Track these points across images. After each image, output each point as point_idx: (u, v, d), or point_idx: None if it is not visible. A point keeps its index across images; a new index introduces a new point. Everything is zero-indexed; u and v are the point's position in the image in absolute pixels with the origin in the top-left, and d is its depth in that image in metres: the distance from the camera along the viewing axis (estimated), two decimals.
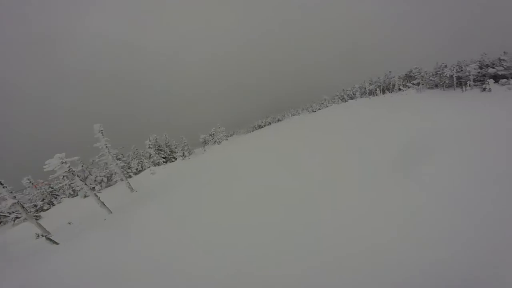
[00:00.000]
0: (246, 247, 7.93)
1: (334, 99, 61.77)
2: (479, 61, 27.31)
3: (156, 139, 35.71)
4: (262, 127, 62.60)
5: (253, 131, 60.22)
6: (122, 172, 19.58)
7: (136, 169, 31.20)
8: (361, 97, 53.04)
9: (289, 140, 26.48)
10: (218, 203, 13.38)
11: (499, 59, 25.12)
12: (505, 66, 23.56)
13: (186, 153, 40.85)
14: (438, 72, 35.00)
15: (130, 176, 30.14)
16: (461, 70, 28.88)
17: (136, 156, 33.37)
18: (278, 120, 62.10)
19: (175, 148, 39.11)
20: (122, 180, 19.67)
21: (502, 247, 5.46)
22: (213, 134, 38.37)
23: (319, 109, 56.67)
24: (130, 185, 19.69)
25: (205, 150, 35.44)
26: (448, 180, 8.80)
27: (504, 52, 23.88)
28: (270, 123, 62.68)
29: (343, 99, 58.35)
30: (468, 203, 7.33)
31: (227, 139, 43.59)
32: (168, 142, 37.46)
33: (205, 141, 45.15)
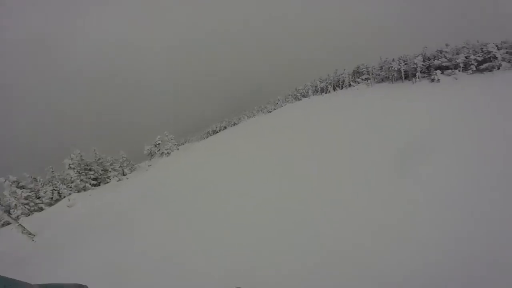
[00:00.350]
0: (245, 247, 7.64)
1: (288, 98, 61.31)
2: (421, 55, 28.52)
3: (81, 156, 27.93)
4: (217, 132, 58.30)
5: (207, 137, 55.35)
6: (8, 212, 12.97)
7: (51, 198, 23.31)
8: (313, 95, 53.51)
9: (253, 142, 23.48)
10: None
11: (440, 51, 26.37)
12: (448, 58, 24.63)
13: (126, 171, 33.84)
14: (383, 67, 36.42)
15: (41, 209, 22.25)
16: (406, 64, 29.88)
17: (50, 181, 25.25)
18: (234, 124, 58.54)
19: (111, 165, 31.65)
20: (17, 220, 13.07)
21: (500, 247, 5.31)
22: (159, 144, 32.26)
23: (274, 109, 55.34)
24: (24, 228, 13.15)
25: (149, 166, 29.28)
26: (446, 180, 8.67)
27: (446, 45, 25.09)
28: (225, 127, 58.79)
29: (296, 98, 58.18)
30: (466, 203, 7.18)
31: (177, 149, 37.81)
32: (99, 159, 29.83)
33: (151, 153, 38.41)
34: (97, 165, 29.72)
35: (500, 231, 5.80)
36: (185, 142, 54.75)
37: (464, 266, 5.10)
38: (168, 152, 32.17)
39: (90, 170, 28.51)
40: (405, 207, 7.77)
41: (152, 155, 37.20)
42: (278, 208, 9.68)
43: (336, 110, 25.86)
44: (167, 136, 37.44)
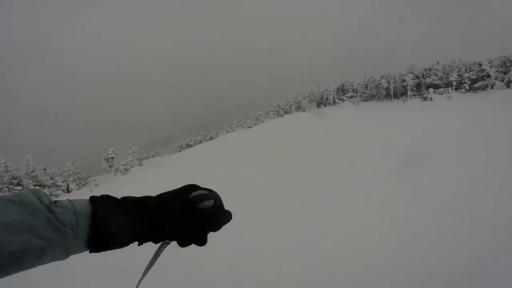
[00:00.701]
0: (245, 246, 7.24)
1: (269, 114, 59.01)
2: (411, 73, 27.33)
3: (7, 166, 21.87)
4: (191, 146, 53.63)
5: (180, 151, 50.37)
6: None
7: None
8: (296, 111, 51.65)
9: (233, 157, 20.12)
10: None
11: (429, 69, 25.21)
12: (438, 76, 23.33)
13: (72, 187, 27.88)
14: (369, 85, 35.27)
15: None
16: (395, 81, 28.55)
17: None
18: (211, 138, 54.41)
19: (51, 179, 25.56)
20: None
21: (500, 248, 5.13)
22: (111, 158, 26.85)
23: (255, 125, 52.47)
24: None
25: (96, 185, 23.83)
26: (447, 186, 8.42)
27: (437, 62, 23.96)
28: (201, 142, 54.42)
29: (278, 114, 56.02)
30: (465, 207, 6.97)
31: (141, 164, 32.38)
32: (32, 171, 23.71)
33: (110, 167, 32.53)
34: (30, 178, 23.61)
35: (500, 231, 5.75)
36: (155, 155, 49.11)
37: (464, 266, 4.86)
38: (126, 169, 26.81)
39: (18, 185, 22.38)
40: (403, 211, 7.79)
41: (109, 171, 31.43)
42: (272, 213, 9.42)
43: (324, 128, 23.13)
44: (130, 148, 32.17)
